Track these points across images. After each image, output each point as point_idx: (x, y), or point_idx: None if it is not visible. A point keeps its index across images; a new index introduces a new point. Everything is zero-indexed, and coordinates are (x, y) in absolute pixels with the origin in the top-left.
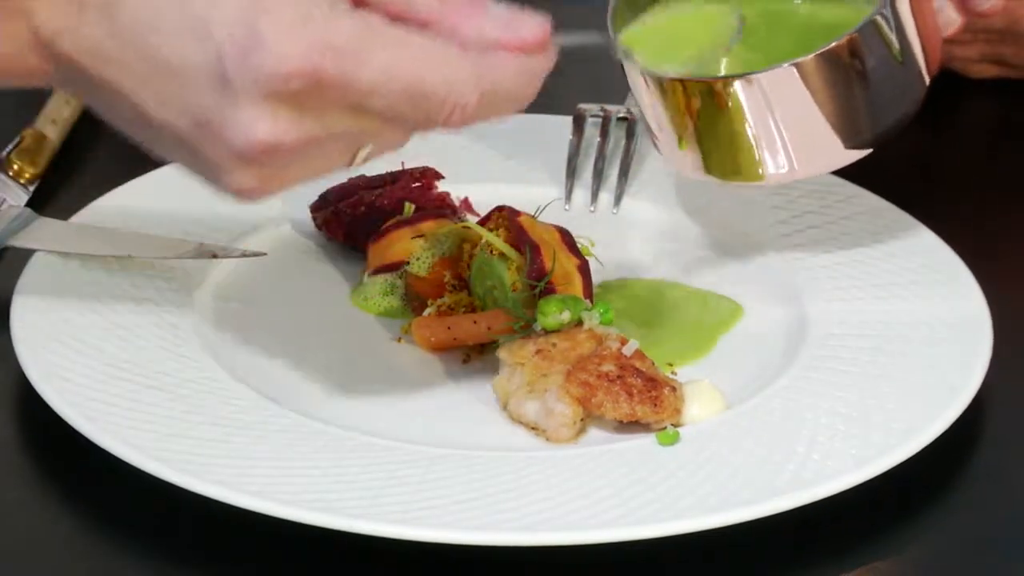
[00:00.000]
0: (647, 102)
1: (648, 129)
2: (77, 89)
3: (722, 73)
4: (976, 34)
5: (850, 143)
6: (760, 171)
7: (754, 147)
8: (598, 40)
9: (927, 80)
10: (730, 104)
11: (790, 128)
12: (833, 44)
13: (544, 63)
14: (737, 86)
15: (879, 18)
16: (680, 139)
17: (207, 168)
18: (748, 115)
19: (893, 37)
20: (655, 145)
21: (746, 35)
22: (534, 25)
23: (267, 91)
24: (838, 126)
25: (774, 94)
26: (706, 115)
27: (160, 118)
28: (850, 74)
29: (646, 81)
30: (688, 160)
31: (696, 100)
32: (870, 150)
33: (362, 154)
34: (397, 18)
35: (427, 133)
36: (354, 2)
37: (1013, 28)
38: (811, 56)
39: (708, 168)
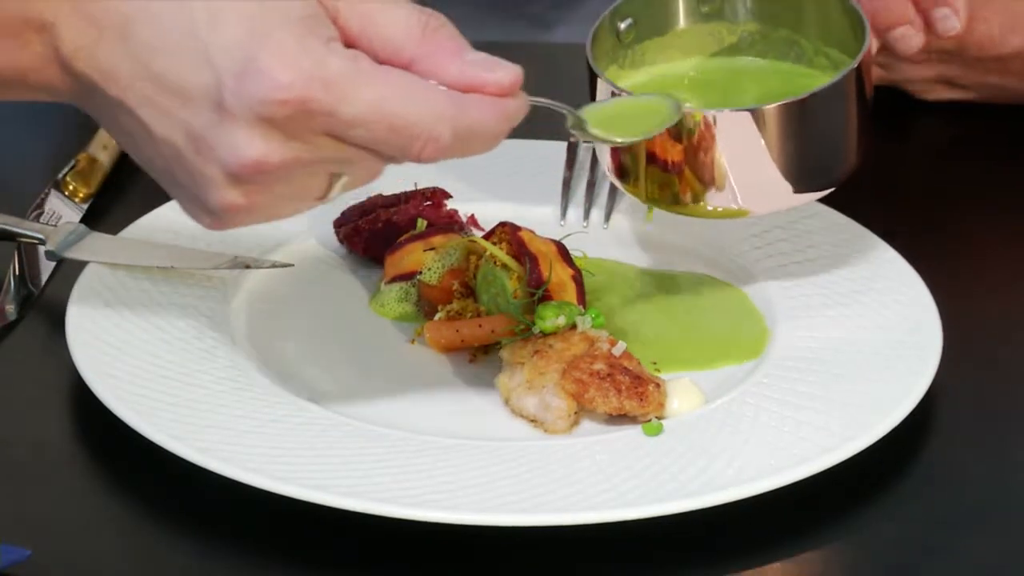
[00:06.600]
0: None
1: (607, 164)
2: (87, 103)
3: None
4: (929, 55)
5: (795, 188)
6: (714, 205)
7: (722, 181)
8: (559, 110)
9: (855, 159)
10: (690, 138)
11: (742, 167)
12: (795, 98)
13: (516, 107)
14: (703, 119)
15: (840, 81)
16: (634, 169)
17: (198, 184)
18: (716, 149)
19: (850, 104)
20: (609, 173)
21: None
22: (509, 70)
23: (260, 115)
24: (786, 171)
25: (736, 133)
26: (663, 149)
27: (160, 134)
28: (803, 127)
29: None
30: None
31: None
32: (810, 197)
33: (338, 185)
34: (384, 59)
35: (401, 164)
36: (345, 42)
37: (962, 51)
38: (774, 105)
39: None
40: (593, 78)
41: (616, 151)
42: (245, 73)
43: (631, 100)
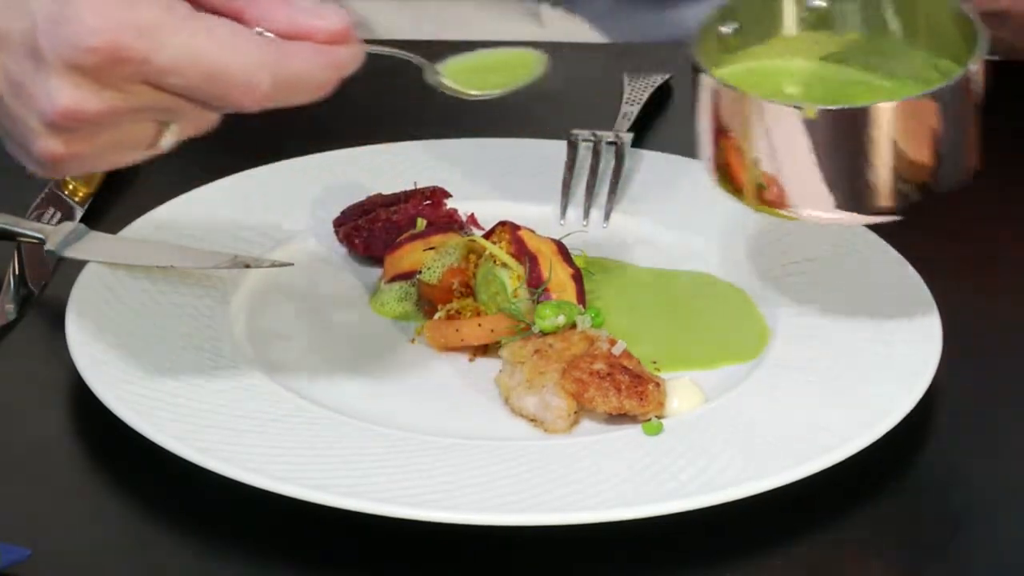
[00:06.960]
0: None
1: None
2: None
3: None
4: None
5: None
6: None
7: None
8: (408, 58)
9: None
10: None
11: (865, 167)
12: (921, 94)
13: (347, 56)
14: (819, 115)
15: (962, 79)
16: (738, 170)
17: (21, 132)
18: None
19: (969, 104)
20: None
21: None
22: (339, 17)
23: (71, 62)
24: (898, 176)
25: (868, 128)
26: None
27: None
28: (922, 125)
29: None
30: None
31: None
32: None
33: (168, 133)
34: (214, 6)
35: (232, 112)
36: None
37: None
38: (892, 102)
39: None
40: (696, 76)
41: (718, 151)
42: (58, 19)
43: (494, 53)
